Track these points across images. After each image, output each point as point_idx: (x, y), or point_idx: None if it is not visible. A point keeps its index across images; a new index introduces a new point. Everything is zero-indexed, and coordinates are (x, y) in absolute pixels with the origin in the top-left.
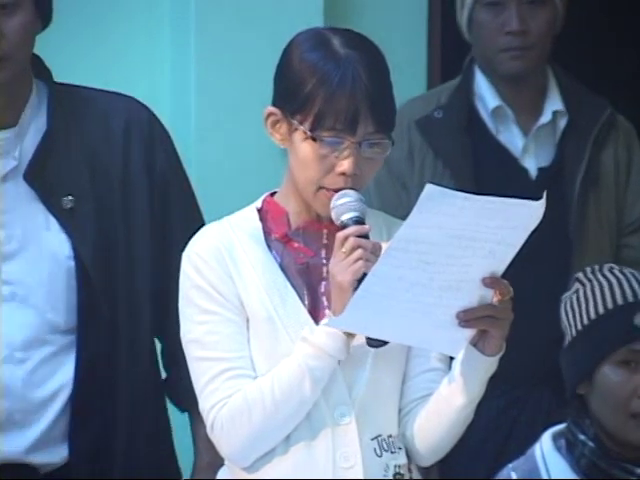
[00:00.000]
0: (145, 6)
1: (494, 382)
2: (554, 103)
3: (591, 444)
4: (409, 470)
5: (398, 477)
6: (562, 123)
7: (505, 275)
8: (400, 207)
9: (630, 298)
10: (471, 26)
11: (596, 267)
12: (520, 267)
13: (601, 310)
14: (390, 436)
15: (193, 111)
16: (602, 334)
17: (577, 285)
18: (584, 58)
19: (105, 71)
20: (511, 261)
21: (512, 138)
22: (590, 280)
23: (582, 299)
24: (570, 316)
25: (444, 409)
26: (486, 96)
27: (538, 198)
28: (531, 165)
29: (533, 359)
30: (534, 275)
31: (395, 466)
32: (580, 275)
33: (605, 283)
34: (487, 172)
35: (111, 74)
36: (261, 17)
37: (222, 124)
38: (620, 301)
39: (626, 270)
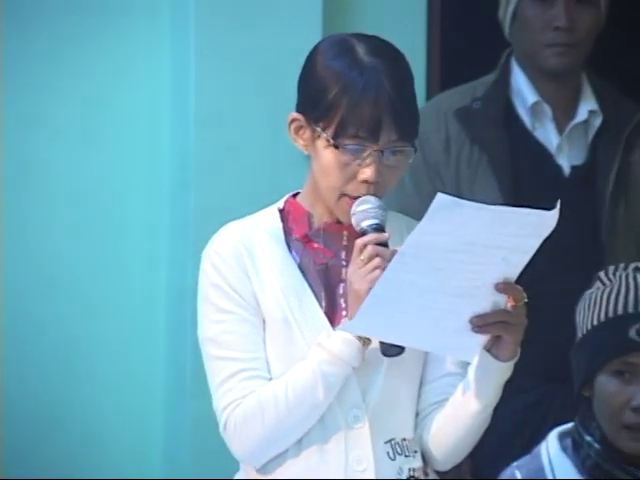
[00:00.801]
0: (145, 10)
1: (523, 376)
2: (589, 103)
3: (597, 446)
4: (425, 474)
5: None
6: (596, 123)
7: (538, 274)
8: (434, 195)
9: (630, 309)
10: (515, 21)
11: (621, 266)
12: (552, 266)
13: (602, 318)
14: (404, 439)
15: (192, 113)
16: (600, 342)
17: (597, 284)
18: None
19: (106, 75)
20: (541, 260)
21: (547, 135)
22: (608, 281)
23: (592, 303)
24: (581, 316)
25: (460, 414)
26: (524, 91)
27: (571, 195)
28: (564, 162)
29: (563, 356)
30: (566, 274)
31: (409, 469)
32: (602, 274)
33: (615, 289)
34: (523, 166)
35: (111, 77)
36: (260, 20)
37: (222, 127)
38: (620, 311)
39: (627, 273)
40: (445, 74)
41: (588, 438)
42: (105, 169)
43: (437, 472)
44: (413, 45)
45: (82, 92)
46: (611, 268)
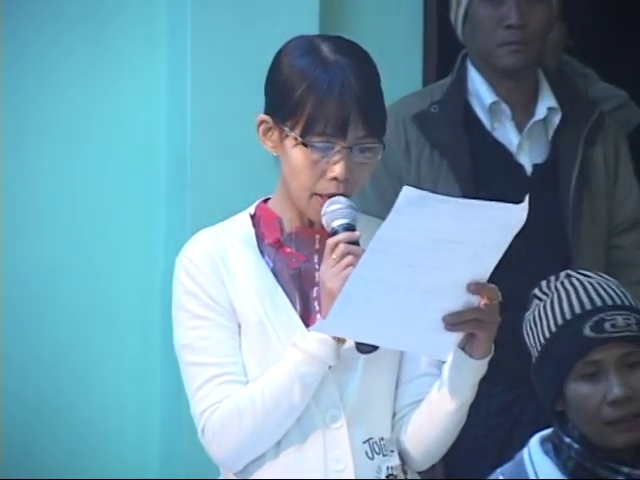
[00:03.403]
0: (141, 11)
1: (495, 380)
2: (547, 100)
3: (576, 446)
4: (403, 472)
5: (391, 478)
6: (555, 120)
7: (506, 273)
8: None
9: (577, 310)
10: (467, 22)
11: (552, 278)
12: (520, 264)
13: (553, 328)
14: (382, 439)
15: (189, 114)
16: (558, 352)
17: (535, 302)
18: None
19: (101, 78)
20: (510, 258)
21: (507, 134)
22: (545, 295)
23: (537, 319)
24: (530, 337)
25: (435, 414)
26: (481, 92)
27: (535, 193)
28: (526, 161)
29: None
30: (535, 272)
31: (388, 467)
32: (536, 291)
33: (556, 299)
34: (484, 167)
35: (108, 77)
36: (257, 23)
37: (218, 127)
38: (568, 316)
39: (581, 277)
40: (440, 73)
41: (567, 440)
42: (102, 170)
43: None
44: (409, 47)
45: (78, 93)
46: (543, 283)
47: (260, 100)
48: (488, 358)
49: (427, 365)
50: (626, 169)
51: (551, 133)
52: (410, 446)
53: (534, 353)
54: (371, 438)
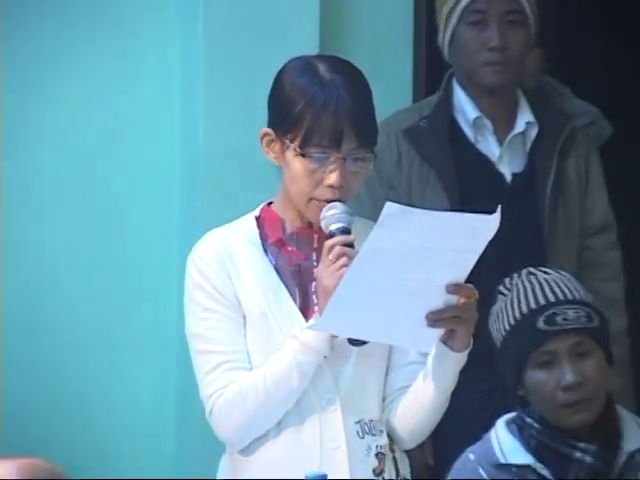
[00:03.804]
0: (154, 18)
1: (478, 368)
2: (526, 115)
3: (537, 426)
4: (391, 450)
5: (380, 455)
6: (532, 133)
7: (488, 272)
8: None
9: (533, 305)
10: (453, 44)
11: (515, 275)
12: (501, 264)
13: (512, 321)
14: (372, 420)
15: (202, 126)
16: (516, 343)
17: (499, 297)
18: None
19: (118, 81)
20: (491, 259)
21: (489, 146)
22: (507, 291)
23: (499, 313)
24: (494, 329)
25: (421, 399)
26: (466, 108)
27: (514, 200)
28: (506, 170)
29: None
30: (514, 271)
31: (377, 446)
32: (501, 287)
33: (515, 295)
34: (468, 176)
35: (123, 83)
36: (264, 44)
37: (227, 138)
38: (525, 310)
39: (539, 274)
40: (429, 90)
41: (529, 420)
42: (117, 175)
43: (405, 451)
44: (401, 65)
45: (93, 99)
46: (507, 280)
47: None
48: (467, 350)
49: (413, 355)
50: (596, 178)
51: (529, 145)
52: (398, 427)
53: (497, 344)
54: (362, 420)
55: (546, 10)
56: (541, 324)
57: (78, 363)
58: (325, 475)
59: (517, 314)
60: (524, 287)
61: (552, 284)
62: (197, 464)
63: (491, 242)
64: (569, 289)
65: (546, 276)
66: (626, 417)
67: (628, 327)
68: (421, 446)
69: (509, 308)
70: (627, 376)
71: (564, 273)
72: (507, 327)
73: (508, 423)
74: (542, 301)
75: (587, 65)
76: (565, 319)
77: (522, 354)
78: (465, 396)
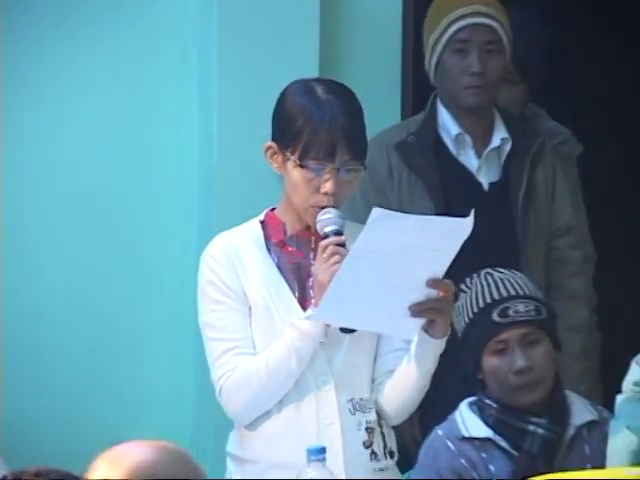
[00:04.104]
0: (174, 44)
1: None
2: (501, 132)
3: (495, 405)
4: (379, 425)
5: (369, 430)
6: (507, 148)
7: (466, 269)
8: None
9: (488, 300)
10: (438, 69)
11: (474, 275)
12: (478, 262)
13: (471, 315)
14: (362, 399)
15: (215, 141)
16: (474, 334)
17: (460, 295)
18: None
19: (136, 104)
20: (470, 257)
21: (469, 159)
22: (467, 288)
23: (460, 308)
24: (456, 322)
25: (405, 380)
26: (449, 126)
27: (491, 206)
28: (484, 180)
29: None
30: (489, 268)
31: (366, 422)
32: (462, 286)
33: (473, 292)
34: (451, 185)
35: (142, 105)
36: (271, 68)
37: (239, 152)
38: (481, 304)
39: (495, 273)
40: (415, 109)
41: (487, 401)
42: (137, 186)
43: (392, 427)
44: (390, 88)
45: (113, 116)
46: (467, 279)
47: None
48: (446, 337)
49: (399, 342)
50: (561, 186)
51: (503, 158)
52: (385, 405)
53: (459, 334)
54: (353, 398)
55: (531, 51)
56: (496, 316)
57: (108, 350)
58: (324, 447)
59: (475, 308)
60: (481, 285)
61: (505, 282)
62: (212, 438)
63: (470, 242)
64: (520, 286)
65: (500, 275)
66: (573, 397)
67: (591, 317)
68: (410, 423)
69: (468, 303)
70: (590, 360)
71: (516, 272)
72: (467, 320)
73: (470, 404)
74: (496, 296)
75: (563, 95)
76: (516, 312)
77: (480, 343)
78: (450, 379)
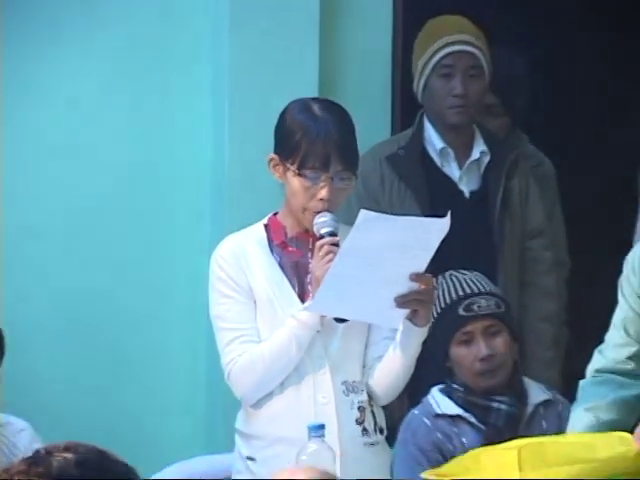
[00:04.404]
0: (186, 56)
1: None
2: (480, 146)
3: (462, 389)
4: (370, 405)
5: (361, 409)
6: (485, 160)
7: (450, 267)
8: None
9: (454, 297)
10: (425, 90)
11: (440, 276)
12: (459, 262)
13: (439, 310)
14: (354, 381)
15: (227, 152)
16: (442, 326)
17: None
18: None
19: (154, 121)
20: (453, 256)
21: (452, 170)
22: (435, 288)
23: None
24: None
25: (392, 364)
26: (434, 140)
27: (471, 212)
28: (465, 189)
29: None
30: (469, 267)
31: (358, 401)
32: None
33: (441, 290)
34: (436, 193)
35: (159, 122)
36: (275, 88)
37: (249, 161)
38: (448, 300)
39: (459, 274)
40: (403, 125)
41: (455, 386)
42: (160, 195)
43: (382, 407)
44: (380, 107)
45: (134, 132)
46: (435, 279)
47: None
48: (428, 326)
49: (387, 331)
50: (534, 194)
51: (482, 169)
52: (375, 386)
53: (430, 327)
54: (347, 380)
55: (512, 88)
56: (461, 311)
57: (130, 340)
58: (323, 425)
59: (443, 304)
60: (447, 284)
61: (468, 281)
62: (222, 417)
63: (453, 243)
64: (481, 284)
65: (464, 275)
66: (528, 381)
67: (561, 312)
68: (400, 402)
69: (437, 300)
70: (558, 350)
71: (477, 273)
72: (435, 314)
73: (440, 389)
74: (461, 293)
75: (541, 124)
76: (479, 306)
77: (447, 335)
78: (436, 362)
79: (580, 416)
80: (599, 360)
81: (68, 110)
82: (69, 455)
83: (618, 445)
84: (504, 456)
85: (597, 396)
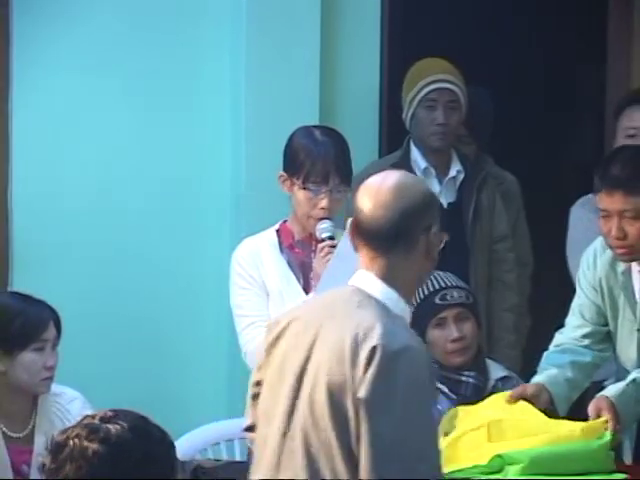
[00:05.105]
0: (209, 54)
1: None
2: (456, 166)
3: (436, 365)
4: None
5: None
6: (460, 177)
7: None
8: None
9: (431, 289)
10: (413, 119)
11: None
12: (440, 262)
13: (419, 300)
14: None
15: (244, 166)
16: (421, 313)
17: None
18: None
19: (180, 136)
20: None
21: (433, 186)
22: None
23: None
24: None
25: None
26: (419, 161)
27: (449, 220)
28: (444, 201)
29: None
30: (447, 268)
31: None
32: None
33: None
34: None
35: (184, 137)
36: (281, 115)
37: (264, 175)
38: (426, 292)
39: (435, 273)
40: (390, 148)
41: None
42: (187, 201)
43: None
44: (370, 130)
45: (161, 148)
46: None
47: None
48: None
49: None
50: (499, 206)
51: (458, 184)
52: None
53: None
54: None
55: (479, 122)
56: (437, 300)
57: (163, 329)
58: None
59: (422, 295)
60: (429, 279)
61: (442, 277)
62: (240, 389)
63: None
64: (453, 280)
65: (438, 273)
66: (489, 362)
67: (522, 303)
68: None
69: (417, 293)
70: (519, 334)
71: (449, 273)
72: (415, 303)
73: None
74: (437, 286)
75: (504, 149)
76: (452, 297)
77: (425, 320)
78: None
79: (545, 368)
80: (559, 338)
81: (96, 140)
82: (121, 422)
83: (565, 425)
84: (476, 435)
85: (559, 359)
